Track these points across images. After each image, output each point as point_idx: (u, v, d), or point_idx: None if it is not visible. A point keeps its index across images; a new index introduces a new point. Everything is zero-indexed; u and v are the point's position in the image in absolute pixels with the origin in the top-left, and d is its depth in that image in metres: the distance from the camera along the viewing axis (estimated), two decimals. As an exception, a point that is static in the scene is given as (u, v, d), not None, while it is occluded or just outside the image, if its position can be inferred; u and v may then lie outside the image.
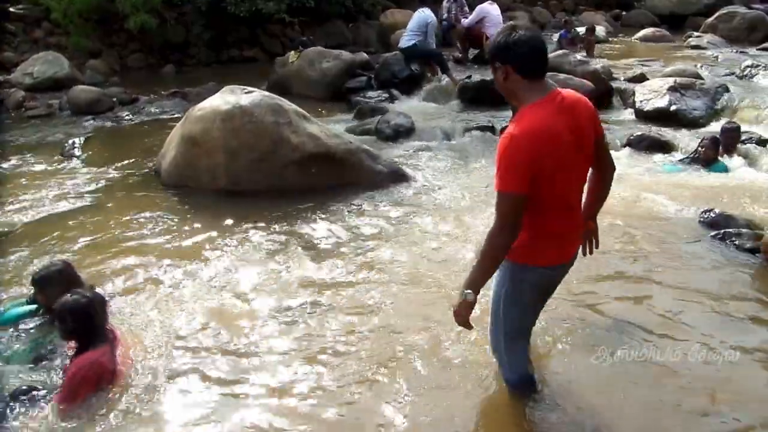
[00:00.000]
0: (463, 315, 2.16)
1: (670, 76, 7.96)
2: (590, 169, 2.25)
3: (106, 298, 3.26)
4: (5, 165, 6.12)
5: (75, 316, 2.62)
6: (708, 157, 5.31)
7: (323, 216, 4.65)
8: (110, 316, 2.92)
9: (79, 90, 8.52)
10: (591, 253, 2.46)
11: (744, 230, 4.06)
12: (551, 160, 1.99)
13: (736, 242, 3.97)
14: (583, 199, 2.30)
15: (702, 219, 4.32)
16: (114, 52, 11.05)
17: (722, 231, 4.09)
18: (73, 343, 2.74)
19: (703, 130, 6.64)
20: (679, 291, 3.45)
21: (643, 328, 3.08)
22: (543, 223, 2.13)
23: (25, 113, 8.29)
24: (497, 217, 2.05)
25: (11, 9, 10.70)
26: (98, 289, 3.42)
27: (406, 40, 8.62)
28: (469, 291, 2.11)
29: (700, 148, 5.40)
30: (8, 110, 8.42)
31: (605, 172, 2.33)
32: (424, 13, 8.58)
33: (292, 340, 3.08)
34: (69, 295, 2.68)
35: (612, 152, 4.49)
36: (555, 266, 2.26)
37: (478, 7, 9.54)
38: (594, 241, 2.45)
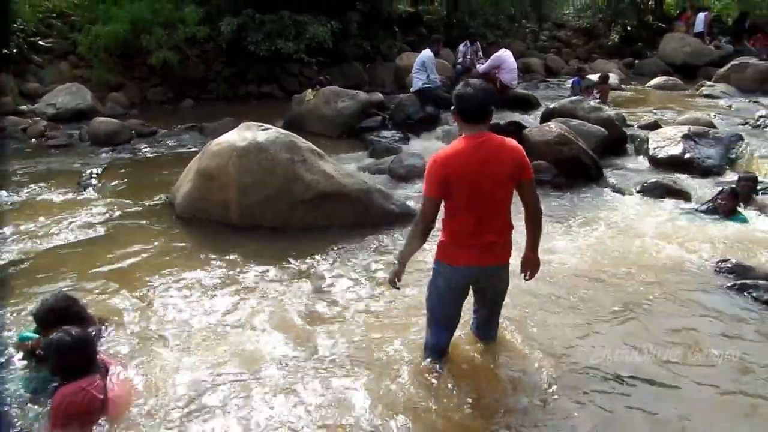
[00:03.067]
0: (390, 278, 3.00)
1: (683, 124, 7.98)
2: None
3: (101, 331, 3.27)
4: (23, 193, 6.20)
5: (60, 354, 2.63)
6: (727, 209, 5.24)
7: (334, 255, 4.63)
8: (108, 348, 2.89)
9: (99, 121, 8.70)
10: (526, 279, 3.04)
11: (762, 282, 3.99)
12: (457, 177, 2.70)
13: (754, 294, 3.89)
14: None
15: (718, 269, 4.25)
16: (135, 86, 11.33)
17: (739, 282, 4.02)
18: None
19: (717, 179, 6.62)
20: (690, 341, 3.37)
21: (647, 379, 3.02)
22: (453, 228, 2.83)
23: (46, 142, 8.46)
24: (420, 212, 2.87)
25: (40, 42, 11.07)
26: (103, 322, 3.44)
27: (415, 82, 8.81)
28: (396, 261, 2.99)
29: (719, 200, 5.32)
30: (29, 139, 8.60)
31: (527, 208, 2.87)
32: (423, 53, 8.84)
33: (293, 382, 3.03)
34: (55, 333, 2.68)
35: (626, 198, 4.54)
36: (464, 267, 2.85)
37: (495, 55, 9.71)
38: (528, 270, 3.00)
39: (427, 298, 3.01)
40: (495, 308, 3.12)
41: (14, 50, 10.31)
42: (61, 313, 3.02)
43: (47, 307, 3.07)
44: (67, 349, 2.63)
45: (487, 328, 3.19)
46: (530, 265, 2.99)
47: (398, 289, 3.06)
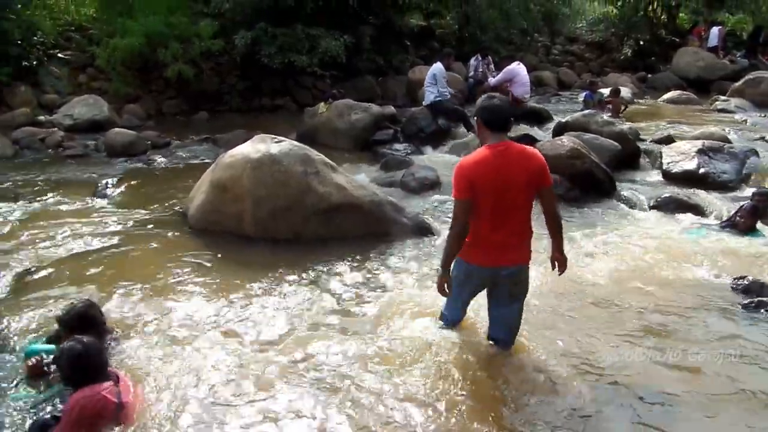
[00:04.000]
0: (439, 284, 3.17)
1: (698, 138, 7.94)
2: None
3: (110, 340, 3.29)
4: (40, 202, 6.28)
5: (70, 362, 2.66)
6: (746, 227, 5.17)
7: (346, 267, 4.64)
8: (119, 356, 2.91)
9: (115, 132, 8.82)
10: (559, 274, 3.26)
11: (779, 299, 3.93)
12: (481, 182, 2.93)
13: (771, 312, 3.83)
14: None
15: (735, 286, 4.20)
16: (151, 98, 11.48)
17: (756, 299, 3.97)
18: None
19: (732, 194, 6.55)
20: (705, 361, 3.33)
21: (666, 397, 2.99)
22: (477, 229, 3.02)
23: (63, 153, 8.58)
24: (453, 216, 3.07)
25: (59, 54, 11.28)
26: (116, 330, 3.47)
27: (426, 95, 8.85)
28: (439, 268, 3.18)
29: (738, 217, 5.26)
30: (47, 149, 8.73)
31: (546, 214, 3.10)
32: (434, 66, 8.84)
33: (308, 394, 3.02)
34: (66, 342, 2.72)
35: (640, 213, 4.47)
36: (479, 266, 3.10)
37: (507, 68, 9.74)
38: (559, 267, 3.22)
39: (452, 285, 3.22)
40: (513, 309, 3.22)
41: (34, 62, 10.50)
42: (87, 319, 3.13)
43: (78, 312, 3.16)
44: (79, 356, 2.65)
45: (503, 329, 3.28)
46: (559, 263, 3.21)
47: (448, 295, 3.23)
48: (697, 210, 6.01)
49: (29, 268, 4.55)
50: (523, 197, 2.99)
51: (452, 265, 3.14)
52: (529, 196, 3.01)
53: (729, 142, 7.92)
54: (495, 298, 3.21)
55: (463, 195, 2.96)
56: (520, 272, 3.12)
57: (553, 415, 2.88)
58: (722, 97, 12.35)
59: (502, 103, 3.09)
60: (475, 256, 3.07)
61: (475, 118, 3.11)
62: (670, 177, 7.09)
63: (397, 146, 8.43)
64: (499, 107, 3.03)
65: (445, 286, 3.14)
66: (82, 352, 2.67)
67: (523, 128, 8.64)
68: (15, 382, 3.09)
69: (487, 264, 3.07)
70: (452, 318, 3.42)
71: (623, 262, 4.69)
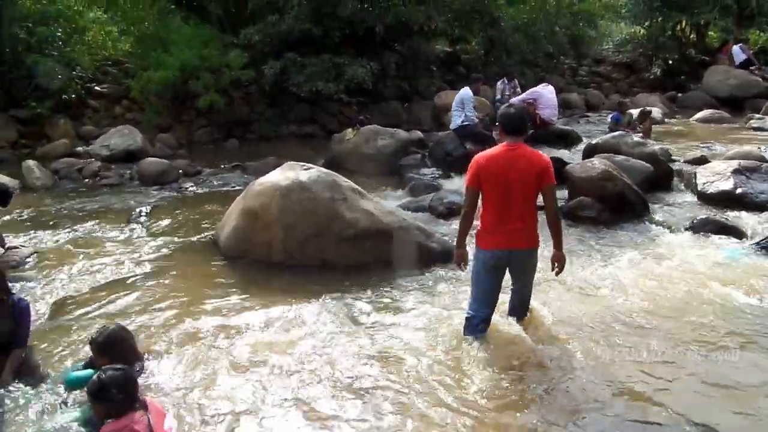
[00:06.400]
0: (457, 259, 3.73)
1: (733, 158, 7.74)
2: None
3: (143, 366, 3.31)
4: (77, 230, 6.45)
5: (102, 393, 2.61)
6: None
7: (376, 292, 4.62)
8: (150, 382, 2.92)
9: (148, 162, 9.06)
10: (556, 274, 3.71)
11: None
12: (486, 174, 3.47)
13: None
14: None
15: (778, 311, 4.04)
16: (183, 128, 11.79)
17: (802, 325, 3.81)
18: None
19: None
20: (747, 389, 3.22)
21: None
22: (486, 218, 3.55)
23: (99, 182, 8.84)
24: (464, 200, 3.63)
25: (96, 87, 11.71)
26: (148, 355, 3.50)
27: (454, 120, 8.85)
28: (455, 246, 3.76)
29: None
30: (84, 179, 9.01)
31: (548, 212, 3.55)
32: (463, 91, 8.86)
33: (335, 415, 3.00)
34: (97, 376, 2.69)
35: (675, 235, 5.40)
36: (493, 250, 3.55)
37: (531, 89, 9.74)
38: (557, 265, 3.64)
39: (471, 275, 3.69)
40: (526, 284, 3.76)
41: (73, 95, 10.92)
42: (119, 343, 3.17)
43: (110, 335, 3.18)
44: (110, 388, 2.62)
45: (518, 301, 3.81)
46: (558, 260, 3.63)
47: (464, 270, 3.76)
48: (735, 231, 5.83)
49: (66, 296, 4.66)
50: (527, 188, 3.45)
51: (473, 259, 3.65)
52: (534, 187, 3.47)
53: (766, 161, 7.70)
54: (513, 276, 3.68)
55: (470, 183, 3.53)
56: (531, 254, 3.63)
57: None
58: (757, 115, 12.05)
59: (518, 111, 3.68)
60: (491, 241, 3.54)
61: (496, 123, 3.73)
62: (705, 198, 6.91)
63: (425, 171, 8.46)
64: (514, 114, 3.60)
65: (462, 263, 3.70)
66: (115, 382, 2.62)
67: (550, 151, 8.57)
68: (57, 408, 3.12)
69: (502, 247, 3.53)
70: (478, 315, 3.63)
71: (659, 286, 4.56)
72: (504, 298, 3.84)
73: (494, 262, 3.57)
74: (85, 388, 2.76)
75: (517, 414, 3.04)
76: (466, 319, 3.66)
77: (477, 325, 3.62)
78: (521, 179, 3.43)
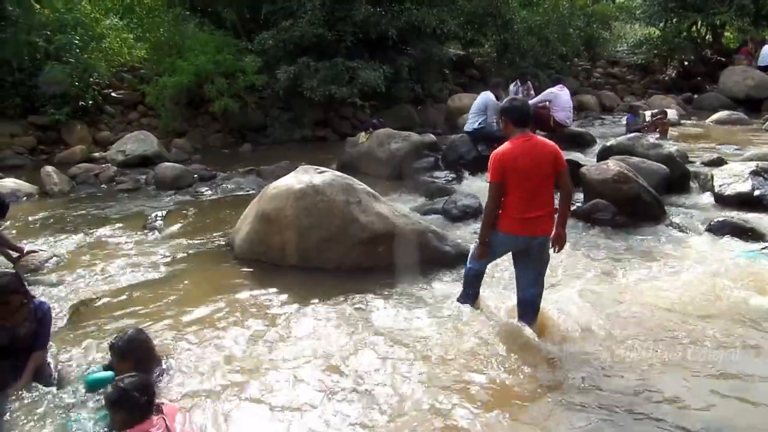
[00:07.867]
0: (482, 253, 3.90)
1: (751, 159, 7.64)
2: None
3: (163, 370, 3.34)
4: (95, 235, 6.53)
5: (120, 400, 2.65)
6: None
7: (390, 295, 4.62)
8: (168, 385, 2.94)
9: (164, 167, 9.15)
10: (555, 252, 3.86)
11: None
12: (511, 167, 3.60)
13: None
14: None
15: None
16: (198, 132, 11.91)
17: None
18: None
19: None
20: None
21: None
22: (509, 206, 3.69)
23: (116, 187, 8.95)
24: (488, 197, 3.72)
25: (113, 93, 11.87)
26: (165, 359, 3.53)
27: (470, 123, 8.83)
28: (479, 240, 3.92)
29: None
30: (101, 184, 9.12)
31: (562, 191, 3.76)
32: (485, 96, 8.82)
33: (350, 420, 3.00)
34: (113, 383, 2.73)
35: (692, 237, 5.33)
36: (515, 235, 3.72)
37: (547, 91, 9.70)
38: (557, 244, 3.82)
39: (475, 247, 3.98)
40: (542, 272, 3.87)
41: (89, 102, 11.08)
42: (138, 347, 3.22)
43: (129, 339, 3.23)
44: (129, 395, 2.66)
45: (533, 290, 3.85)
46: (559, 239, 3.80)
47: (487, 254, 3.92)
48: (754, 233, 5.75)
49: (85, 299, 4.71)
50: (545, 176, 3.64)
51: (492, 236, 3.78)
52: (551, 174, 3.65)
53: (785, 162, 7.59)
54: (525, 263, 3.82)
55: (496, 179, 3.64)
56: (547, 241, 3.77)
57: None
58: (775, 116, 11.91)
59: (522, 103, 3.85)
60: (515, 228, 3.69)
61: (501, 117, 3.78)
62: (722, 200, 6.82)
63: (438, 174, 8.43)
64: (520, 106, 3.76)
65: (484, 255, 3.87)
66: (133, 388, 2.67)
67: (565, 153, 8.49)
68: (76, 410, 3.16)
69: (524, 234, 3.69)
70: (477, 268, 4.01)
71: (677, 290, 4.50)
72: (514, 300, 3.84)
73: (511, 243, 3.77)
74: (103, 397, 2.78)
75: (533, 415, 3.02)
76: (466, 271, 4.07)
77: (475, 276, 4.02)
78: (541, 168, 3.61)
